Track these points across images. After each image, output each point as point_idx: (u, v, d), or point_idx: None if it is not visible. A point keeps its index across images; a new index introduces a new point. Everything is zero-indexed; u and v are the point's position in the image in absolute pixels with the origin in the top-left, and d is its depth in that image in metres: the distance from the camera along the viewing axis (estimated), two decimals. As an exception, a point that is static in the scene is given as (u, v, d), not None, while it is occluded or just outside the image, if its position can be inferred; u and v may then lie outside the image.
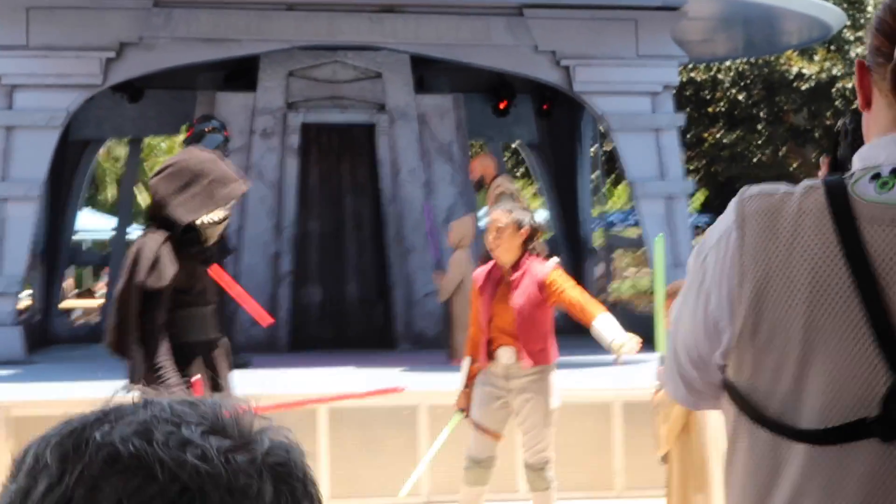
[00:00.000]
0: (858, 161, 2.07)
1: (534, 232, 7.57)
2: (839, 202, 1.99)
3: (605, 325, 7.55)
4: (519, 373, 7.48)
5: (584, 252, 17.81)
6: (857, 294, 1.92)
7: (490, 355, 7.50)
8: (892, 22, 2.04)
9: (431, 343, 13.72)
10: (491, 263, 7.58)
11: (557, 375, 7.71)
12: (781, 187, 2.06)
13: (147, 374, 6.07)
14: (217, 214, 6.19)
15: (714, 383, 2.10)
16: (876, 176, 2.02)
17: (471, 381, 7.63)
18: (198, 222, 6.15)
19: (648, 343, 14.20)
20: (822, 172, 2.44)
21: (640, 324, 16.17)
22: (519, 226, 7.40)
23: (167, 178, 6.19)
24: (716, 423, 6.64)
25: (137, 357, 6.13)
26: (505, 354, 7.46)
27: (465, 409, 7.65)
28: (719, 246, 2.05)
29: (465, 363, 7.69)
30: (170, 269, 6.08)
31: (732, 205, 2.07)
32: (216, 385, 6.19)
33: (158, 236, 6.16)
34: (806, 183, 2.06)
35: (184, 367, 6.16)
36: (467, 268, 12.53)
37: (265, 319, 6.93)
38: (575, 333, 16.44)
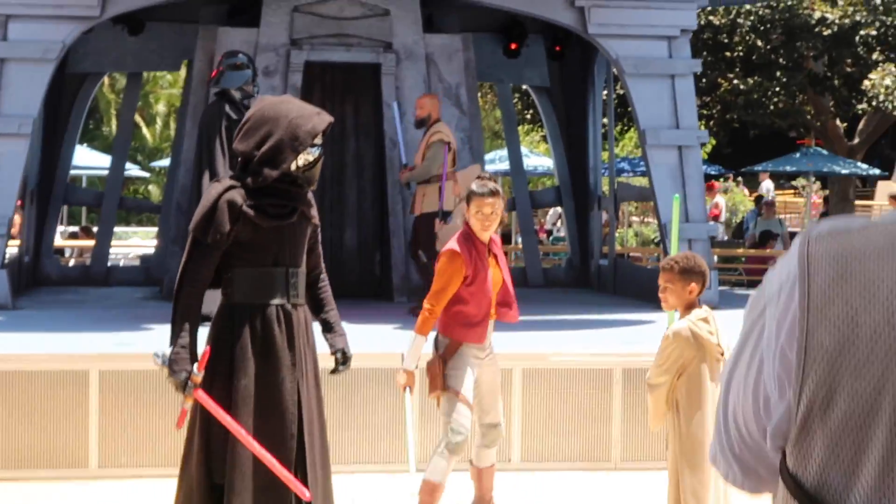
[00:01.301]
0: None
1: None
2: None
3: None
4: (489, 345, 7.56)
5: (591, 200, 17.36)
6: None
7: (480, 335, 7.46)
8: None
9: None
10: (463, 239, 7.35)
11: None
12: (857, 221, 1.59)
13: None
14: (309, 156, 5.80)
15: (776, 466, 1.64)
16: None
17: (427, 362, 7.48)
18: (292, 168, 5.77)
19: (652, 302, 13.86)
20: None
21: (645, 279, 15.85)
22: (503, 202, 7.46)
23: (246, 134, 5.83)
24: (713, 401, 6.30)
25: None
26: (490, 326, 7.50)
27: (412, 388, 7.48)
28: (779, 298, 1.61)
29: (419, 342, 7.42)
30: (224, 221, 5.68)
31: (795, 246, 1.62)
32: (275, 355, 5.77)
33: (222, 186, 5.78)
34: (892, 214, 1.58)
35: (231, 330, 5.75)
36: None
37: None
38: (573, 286, 16.19)
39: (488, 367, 7.56)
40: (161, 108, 39.85)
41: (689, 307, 6.66)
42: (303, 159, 5.80)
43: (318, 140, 5.84)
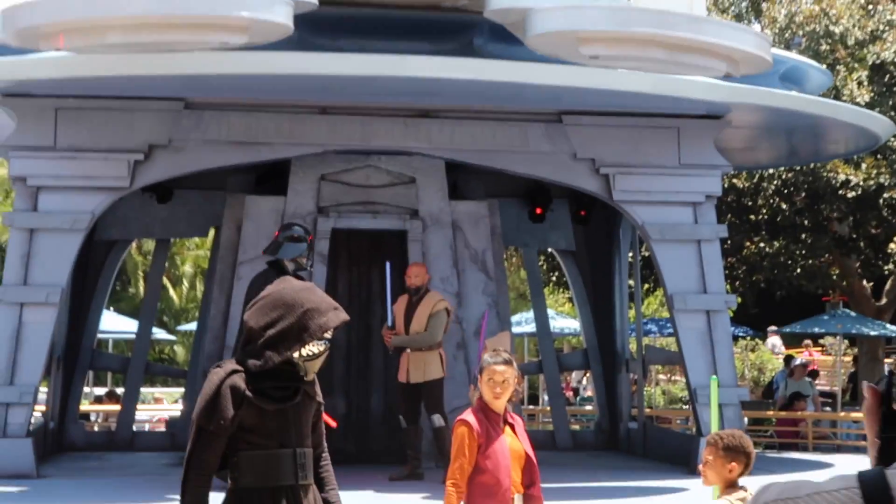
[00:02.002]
0: None
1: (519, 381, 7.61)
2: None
3: None
4: None
5: (619, 362, 17.30)
6: None
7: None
8: None
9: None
10: (476, 411, 7.34)
11: None
12: (805, 487, 1.60)
13: None
14: (314, 347, 5.80)
15: None
16: None
17: None
18: (295, 356, 5.77)
19: (682, 467, 13.71)
20: (868, 405, 1.85)
21: (675, 443, 15.73)
22: (516, 379, 7.39)
23: (259, 311, 5.83)
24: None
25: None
26: (518, 501, 7.35)
27: None
28: None
29: None
30: (227, 407, 5.68)
31: None
32: None
33: (224, 371, 5.78)
34: (838, 479, 1.57)
35: None
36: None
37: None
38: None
39: None
40: (188, 268, 40.12)
41: (729, 486, 6.56)
42: (307, 350, 5.81)
43: (328, 335, 5.85)
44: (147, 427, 20.58)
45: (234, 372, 5.79)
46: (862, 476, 1.58)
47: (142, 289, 38.93)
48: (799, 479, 1.62)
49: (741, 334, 25.73)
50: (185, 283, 40.29)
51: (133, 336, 18.68)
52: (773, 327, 27.89)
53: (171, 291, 38.73)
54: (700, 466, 6.70)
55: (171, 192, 15.85)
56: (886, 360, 28.91)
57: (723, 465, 6.56)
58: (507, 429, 7.40)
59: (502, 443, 7.33)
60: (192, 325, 36.67)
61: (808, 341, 31.36)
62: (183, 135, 13.51)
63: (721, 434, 6.75)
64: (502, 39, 13.63)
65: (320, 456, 6.17)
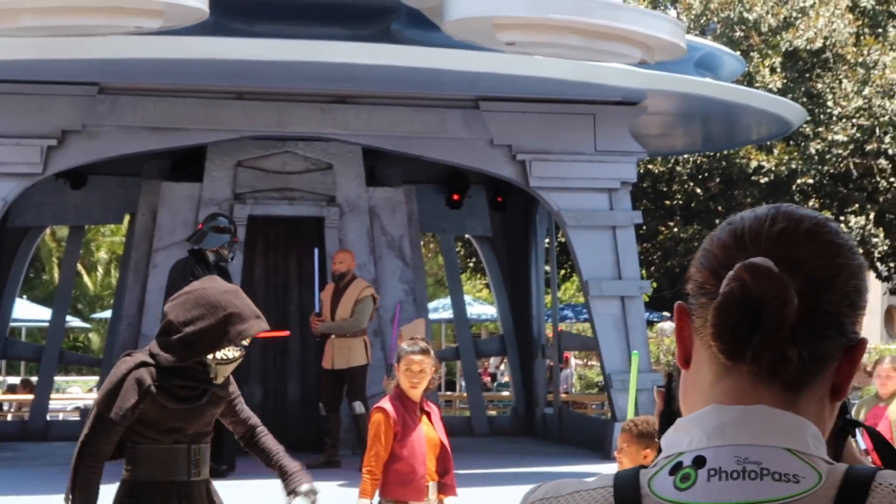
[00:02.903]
0: (663, 447, 1.65)
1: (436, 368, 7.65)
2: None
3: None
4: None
5: (535, 348, 17.38)
6: None
7: (417, 494, 7.40)
8: (720, 255, 1.61)
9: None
10: (393, 399, 7.40)
11: None
12: (569, 486, 1.63)
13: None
14: (229, 352, 5.72)
15: None
16: (677, 467, 1.58)
17: None
18: (208, 358, 5.69)
19: (598, 452, 13.81)
20: (657, 408, 1.89)
21: (590, 428, 15.84)
22: (433, 368, 7.45)
23: (181, 306, 5.75)
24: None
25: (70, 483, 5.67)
26: (433, 489, 7.42)
27: None
28: None
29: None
30: (129, 399, 5.61)
31: None
32: None
33: (133, 361, 5.71)
34: (600, 478, 1.62)
35: None
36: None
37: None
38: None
39: None
40: (103, 255, 39.69)
41: None
42: (221, 353, 5.75)
43: (246, 342, 5.80)
44: (61, 416, 20.33)
45: (143, 364, 5.73)
46: (618, 476, 1.61)
47: (56, 276, 38.49)
48: (567, 479, 1.66)
49: (656, 319, 25.94)
50: (101, 270, 39.86)
51: (47, 324, 18.44)
52: (665, 313, 28.12)
53: (86, 278, 38.29)
54: (615, 453, 6.76)
55: (85, 178, 15.67)
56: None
57: (637, 451, 6.61)
58: (424, 417, 7.45)
59: (419, 432, 7.36)
60: (108, 313, 36.31)
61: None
62: (97, 120, 13.35)
63: (635, 421, 6.80)
64: (420, 25, 13.63)
65: (255, 430, 6.13)
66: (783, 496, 1.53)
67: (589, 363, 36.05)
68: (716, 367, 1.60)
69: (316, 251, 13.37)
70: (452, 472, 7.55)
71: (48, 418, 16.86)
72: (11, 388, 23.50)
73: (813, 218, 1.62)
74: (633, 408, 7.59)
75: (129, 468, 5.78)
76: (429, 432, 7.42)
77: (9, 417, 20.05)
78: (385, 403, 7.40)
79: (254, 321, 5.78)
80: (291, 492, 6.05)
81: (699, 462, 1.56)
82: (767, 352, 1.56)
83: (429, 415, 7.46)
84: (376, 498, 7.45)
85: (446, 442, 7.54)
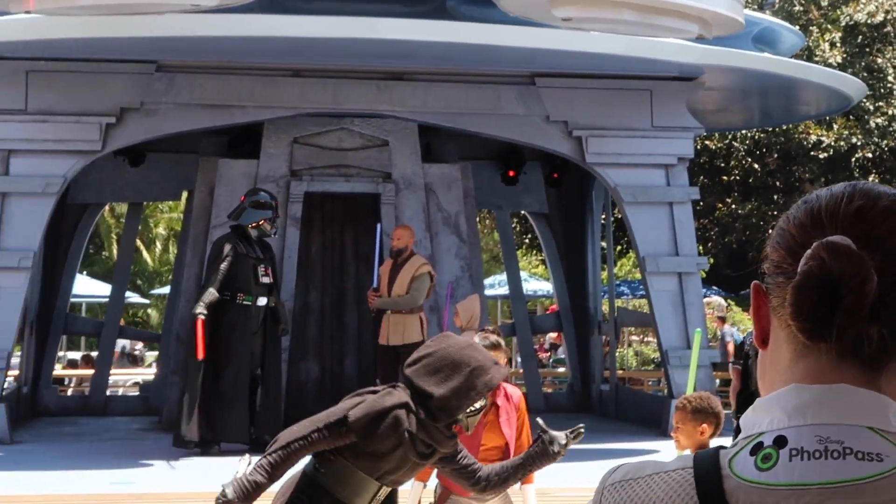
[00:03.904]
0: (743, 427, 1.65)
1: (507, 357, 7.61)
2: (709, 484, 1.58)
3: (530, 497, 7.46)
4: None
5: (591, 325, 17.36)
6: None
7: None
8: (797, 234, 1.62)
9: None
10: None
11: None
12: (649, 467, 1.64)
13: None
14: (478, 403, 5.81)
15: None
16: (757, 447, 1.58)
17: None
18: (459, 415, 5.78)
19: (655, 429, 13.77)
20: (734, 386, 1.88)
21: (647, 405, 15.80)
22: (506, 359, 7.41)
23: (426, 370, 5.81)
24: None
25: None
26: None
27: None
28: None
29: (416, 490, 7.47)
30: (383, 436, 5.67)
31: (595, 492, 1.68)
32: None
33: (398, 398, 5.74)
34: (679, 459, 1.63)
35: None
36: (474, 348, 12.18)
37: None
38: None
39: None
40: (161, 231, 39.98)
41: (701, 448, 6.61)
42: (471, 408, 5.86)
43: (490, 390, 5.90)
44: (120, 392, 20.54)
45: (408, 408, 5.74)
46: (697, 457, 1.62)
47: (115, 252, 38.80)
48: (647, 460, 1.67)
49: (715, 293, 25.81)
50: (159, 246, 40.16)
51: (106, 300, 18.62)
52: (714, 287, 27.93)
53: (145, 254, 38.58)
54: (672, 432, 6.75)
55: (143, 155, 15.80)
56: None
57: (694, 427, 6.60)
58: (493, 412, 7.31)
59: (482, 427, 7.19)
60: (166, 289, 36.59)
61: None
62: (155, 98, 13.44)
63: (689, 398, 6.79)
64: (475, 2, 13.60)
65: (482, 473, 6.17)
66: (867, 475, 1.53)
67: (645, 339, 35.95)
68: (794, 346, 1.60)
69: (379, 226, 13.39)
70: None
71: (108, 393, 17.04)
72: (72, 364, 23.74)
73: (890, 195, 1.63)
74: (693, 385, 7.57)
75: (323, 471, 5.74)
76: (490, 433, 7.37)
77: (69, 392, 20.27)
78: None
79: (494, 369, 5.86)
80: (550, 441, 6.16)
81: (780, 442, 1.57)
82: (848, 331, 1.55)
83: (498, 407, 7.31)
84: (433, 480, 7.49)
85: (510, 438, 7.34)
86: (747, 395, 2.09)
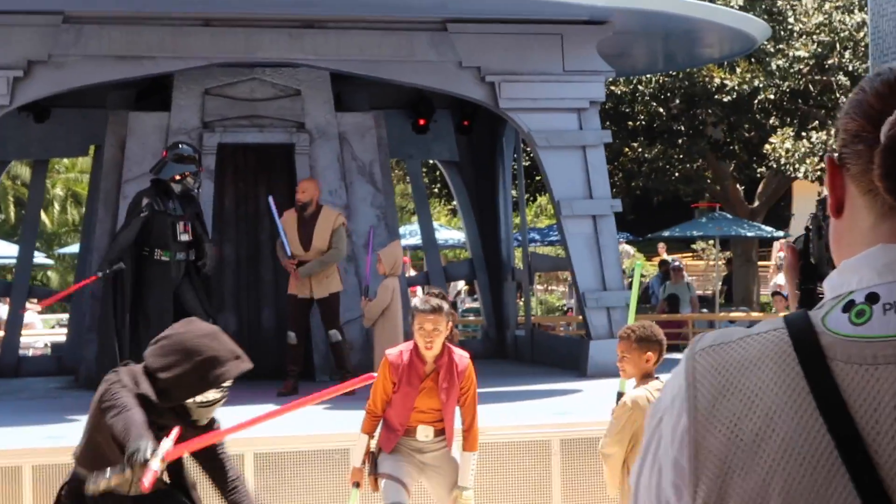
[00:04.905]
0: (828, 289, 1.74)
1: (455, 320, 7.48)
2: (805, 341, 1.65)
3: (466, 463, 7.47)
4: (433, 447, 7.47)
5: (505, 272, 17.44)
6: (838, 454, 1.59)
7: (406, 432, 7.45)
8: (875, 103, 1.70)
9: (352, 373, 13.18)
10: (409, 350, 7.33)
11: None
12: (737, 332, 1.72)
13: None
14: (208, 395, 5.66)
15: None
16: (849, 305, 1.67)
17: (366, 457, 7.51)
18: (188, 402, 5.65)
19: (573, 370, 13.93)
20: (788, 261, 1.99)
21: (562, 348, 15.94)
22: (449, 323, 7.29)
23: (161, 351, 5.70)
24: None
25: None
26: (423, 432, 7.43)
27: (359, 484, 7.52)
28: (672, 409, 1.73)
29: (362, 441, 7.52)
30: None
31: (683, 360, 1.74)
32: None
33: (122, 376, 5.68)
34: (766, 323, 1.71)
35: None
36: (396, 295, 12.21)
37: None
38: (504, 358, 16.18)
39: (434, 472, 7.49)
40: (58, 191, 39.40)
41: (645, 376, 6.72)
42: (202, 397, 5.72)
43: (228, 384, 5.75)
44: (30, 352, 20.24)
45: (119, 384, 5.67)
46: (788, 318, 1.70)
47: (12, 214, 38.15)
48: (732, 328, 1.75)
49: (620, 239, 26.05)
50: (56, 207, 39.58)
51: (9, 261, 18.30)
52: (668, 233, 28.21)
53: (43, 215, 38.00)
54: (617, 363, 6.84)
55: (48, 111, 15.50)
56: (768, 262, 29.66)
57: (639, 356, 6.71)
58: (433, 376, 7.27)
59: (413, 390, 7.27)
60: (67, 250, 36.11)
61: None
62: (62, 50, 13.17)
63: (632, 327, 6.90)
64: (386, -53, 13.51)
65: (236, 487, 6.05)
66: None
67: (549, 288, 36.25)
68: (877, 209, 1.68)
69: (270, 198, 13.28)
70: (471, 429, 7.42)
71: (20, 354, 16.78)
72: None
73: None
74: (633, 317, 7.67)
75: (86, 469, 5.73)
76: (426, 398, 7.31)
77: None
78: (394, 354, 7.37)
79: (233, 363, 5.70)
80: None
81: (873, 298, 1.65)
82: None
83: (438, 374, 7.27)
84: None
85: (443, 405, 7.32)
86: (806, 267, 2.17)
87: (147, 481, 5.44)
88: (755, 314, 22.85)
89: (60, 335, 20.02)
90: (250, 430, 6.20)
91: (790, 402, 1.61)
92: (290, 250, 12.95)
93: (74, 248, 30.36)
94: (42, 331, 23.69)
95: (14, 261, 19.44)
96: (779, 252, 31.52)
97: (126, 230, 12.33)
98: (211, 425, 5.88)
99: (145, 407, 5.61)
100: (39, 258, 32.74)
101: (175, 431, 5.54)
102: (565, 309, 29.41)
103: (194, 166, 12.55)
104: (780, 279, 29.32)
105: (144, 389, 5.61)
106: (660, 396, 1.79)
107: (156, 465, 5.43)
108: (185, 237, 12.49)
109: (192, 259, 12.58)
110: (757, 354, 1.65)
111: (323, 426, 10.08)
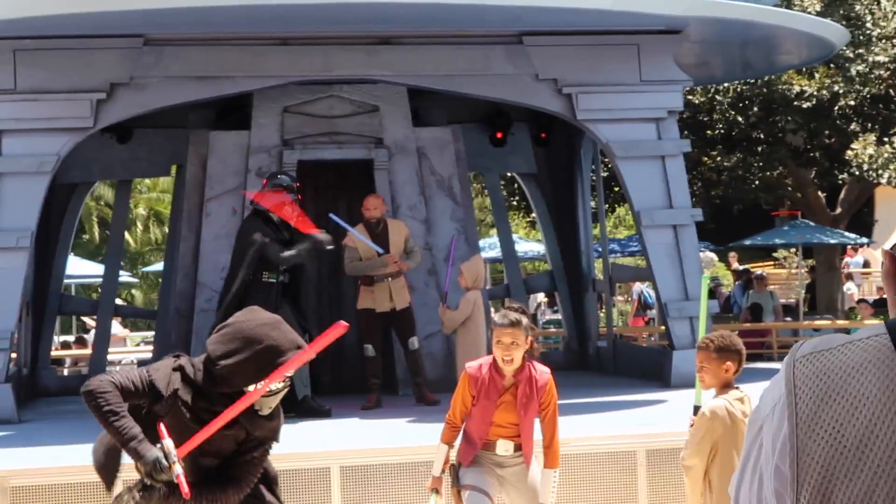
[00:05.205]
0: None
1: (535, 335, 7.44)
2: None
3: (546, 480, 7.43)
4: (512, 462, 7.43)
5: (585, 282, 17.41)
6: None
7: (486, 446, 7.44)
8: None
9: (433, 386, 13.23)
10: (489, 363, 7.30)
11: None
12: (837, 339, 1.74)
13: None
14: (272, 384, 5.68)
15: None
16: None
17: (446, 466, 7.52)
18: (248, 388, 5.70)
19: (656, 381, 13.87)
20: (886, 269, 1.96)
21: (645, 358, 15.88)
22: (529, 337, 7.23)
23: (220, 339, 5.74)
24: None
25: None
26: (502, 446, 7.41)
27: (438, 490, 7.55)
28: (773, 417, 1.75)
29: (441, 450, 7.53)
30: (160, 387, 5.68)
31: (783, 368, 1.76)
32: None
33: (173, 362, 5.76)
34: (867, 330, 1.72)
35: None
36: (478, 307, 12.23)
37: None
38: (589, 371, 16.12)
39: (513, 489, 7.46)
40: (141, 211, 39.89)
41: (725, 386, 6.68)
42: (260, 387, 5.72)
43: (289, 372, 5.74)
44: (117, 369, 20.51)
45: (182, 372, 5.74)
46: (889, 324, 1.70)
47: (97, 234, 38.68)
48: (833, 335, 1.75)
49: (701, 249, 25.90)
50: (139, 227, 40.06)
51: (95, 280, 18.56)
52: (749, 242, 27.93)
53: (126, 235, 38.50)
54: (697, 373, 6.81)
55: (130, 131, 15.75)
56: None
57: (718, 366, 6.67)
58: (511, 391, 7.24)
59: (491, 404, 7.26)
60: (151, 268, 36.55)
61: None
62: (144, 72, 13.38)
63: (710, 337, 6.85)
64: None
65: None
66: None
67: (629, 299, 36.03)
68: None
69: (332, 215, 13.38)
70: (552, 446, 7.39)
71: (107, 371, 17.01)
72: (65, 345, 23.70)
73: None
74: (705, 328, 7.65)
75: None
76: (504, 412, 7.29)
77: (65, 372, 20.24)
78: (474, 365, 7.39)
79: (293, 352, 5.72)
80: None
81: None
82: None
83: (517, 389, 7.22)
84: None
85: (521, 420, 7.29)
86: None
87: (185, 489, 5.51)
88: (840, 322, 22.58)
89: (146, 352, 20.27)
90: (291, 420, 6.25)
91: (894, 407, 1.62)
92: (379, 249, 13.03)
93: (158, 267, 30.74)
94: (129, 348, 24.01)
95: (100, 280, 19.71)
96: (846, 258, 31.11)
97: (269, 248, 12.35)
98: (271, 420, 5.90)
99: (198, 397, 5.68)
100: (124, 277, 33.19)
101: (163, 428, 5.59)
102: (647, 319, 29.19)
103: (293, 195, 12.66)
104: (851, 286, 28.97)
105: (198, 379, 5.68)
106: (758, 405, 1.80)
107: (178, 470, 5.52)
108: None
109: (285, 282, 12.73)
110: (859, 361, 1.67)
111: (408, 439, 10.14)
